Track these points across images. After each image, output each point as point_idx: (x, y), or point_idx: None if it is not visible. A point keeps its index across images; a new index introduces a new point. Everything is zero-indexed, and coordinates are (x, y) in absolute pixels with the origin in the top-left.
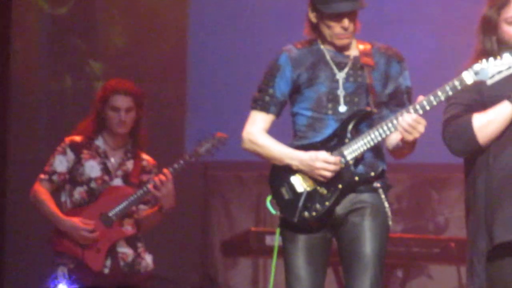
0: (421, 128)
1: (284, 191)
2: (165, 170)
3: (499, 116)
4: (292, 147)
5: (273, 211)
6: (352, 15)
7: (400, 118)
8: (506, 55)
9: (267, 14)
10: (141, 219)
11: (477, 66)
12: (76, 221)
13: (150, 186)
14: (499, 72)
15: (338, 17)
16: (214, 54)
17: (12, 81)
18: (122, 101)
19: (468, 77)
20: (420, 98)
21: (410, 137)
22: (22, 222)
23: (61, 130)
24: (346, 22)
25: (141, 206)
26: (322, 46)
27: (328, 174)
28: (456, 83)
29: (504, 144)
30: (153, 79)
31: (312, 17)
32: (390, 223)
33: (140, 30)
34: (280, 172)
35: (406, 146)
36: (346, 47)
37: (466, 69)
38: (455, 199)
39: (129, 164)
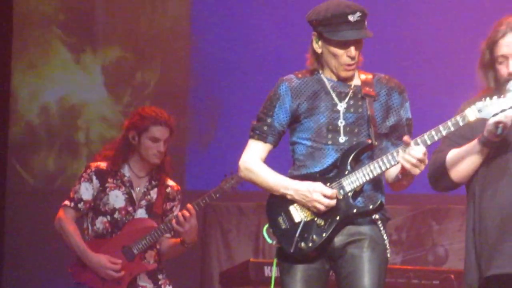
0: (426, 160)
1: (281, 220)
2: (189, 206)
3: (469, 154)
4: (290, 176)
5: (269, 241)
6: (358, 44)
7: (405, 156)
8: (510, 94)
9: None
10: (164, 249)
11: (480, 104)
12: (103, 259)
13: (173, 221)
14: (503, 110)
15: (345, 45)
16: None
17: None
18: (162, 133)
19: (471, 114)
20: (406, 137)
21: (417, 171)
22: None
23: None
24: (352, 50)
25: (167, 234)
26: (323, 76)
27: (322, 207)
28: (459, 119)
29: (490, 177)
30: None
31: (317, 47)
32: (389, 255)
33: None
34: (278, 201)
35: (406, 178)
36: (347, 78)
37: (469, 105)
38: (455, 230)
39: (153, 193)
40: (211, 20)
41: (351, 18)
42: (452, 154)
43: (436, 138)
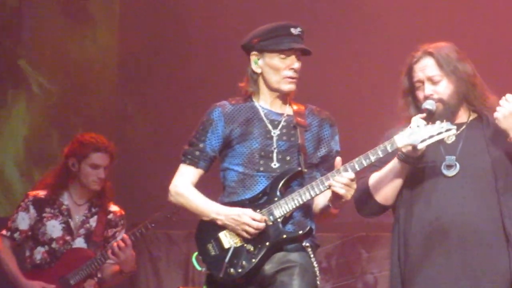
0: (355, 185)
1: (210, 247)
2: (124, 236)
3: (389, 174)
4: (221, 203)
5: (198, 268)
6: (298, 58)
7: (336, 177)
8: (437, 122)
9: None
10: (107, 276)
11: (408, 131)
12: (36, 285)
13: (109, 252)
14: (431, 137)
15: (287, 57)
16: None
17: None
18: (102, 159)
19: (400, 140)
20: (338, 159)
21: (348, 195)
22: None
23: None
24: (295, 62)
25: (110, 260)
26: (256, 103)
27: (252, 230)
28: (388, 146)
29: (412, 200)
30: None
31: (256, 67)
32: (319, 282)
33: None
34: (208, 228)
35: (335, 205)
36: (281, 105)
37: (393, 132)
38: (384, 258)
39: (92, 222)
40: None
41: (293, 31)
42: (374, 176)
43: (365, 163)
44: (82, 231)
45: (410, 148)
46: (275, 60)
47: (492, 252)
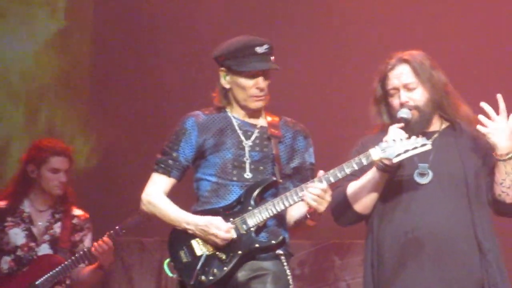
0: (329, 197)
1: (182, 254)
2: (105, 238)
3: (368, 183)
4: (194, 212)
5: (170, 274)
6: (266, 76)
7: (309, 188)
8: (413, 137)
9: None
10: (82, 277)
11: (384, 144)
12: None
13: (92, 249)
14: (406, 151)
15: (253, 77)
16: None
17: None
18: (62, 163)
19: (375, 154)
20: (321, 173)
21: (320, 208)
22: None
23: None
24: (261, 82)
25: (81, 264)
26: (230, 114)
27: (219, 241)
28: (363, 159)
29: (387, 209)
30: None
31: (225, 83)
32: None
33: None
34: (180, 235)
35: (312, 218)
36: (255, 116)
37: (365, 141)
38: (357, 265)
39: (57, 228)
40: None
41: (258, 50)
42: (352, 185)
43: (339, 176)
44: (46, 237)
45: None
46: (241, 79)
47: (464, 261)
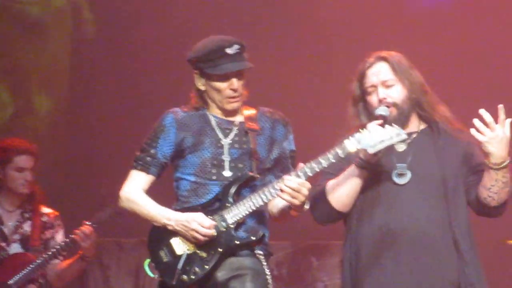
0: (305, 191)
1: (163, 254)
2: (86, 225)
3: (347, 180)
4: (173, 210)
5: (151, 274)
6: (240, 76)
7: (284, 183)
8: (388, 126)
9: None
10: (60, 272)
11: (359, 135)
12: None
13: (77, 237)
14: (381, 141)
15: (226, 79)
16: None
17: None
18: (27, 161)
19: (351, 145)
20: (301, 165)
21: (296, 202)
22: None
23: None
24: (234, 82)
25: (55, 260)
26: (208, 112)
27: (200, 237)
28: (339, 151)
29: (365, 207)
30: None
31: (200, 85)
32: None
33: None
34: (160, 234)
35: (294, 209)
36: (233, 113)
37: (348, 137)
38: (335, 266)
39: (27, 227)
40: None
41: (229, 51)
42: (331, 182)
43: (317, 169)
44: (16, 236)
45: (366, 153)
46: (215, 82)
47: (441, 260)
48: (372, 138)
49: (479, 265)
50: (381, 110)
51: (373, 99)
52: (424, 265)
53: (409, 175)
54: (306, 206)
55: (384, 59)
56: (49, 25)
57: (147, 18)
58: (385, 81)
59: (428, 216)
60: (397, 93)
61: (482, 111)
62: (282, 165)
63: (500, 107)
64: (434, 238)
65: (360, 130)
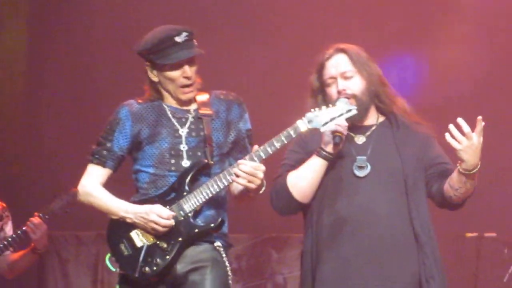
0: (261, 174)
1: (123, 247)
2: (35, 216)
3: (309, 170)
4: (132, 203)
5: (112, 269)
6: (191, 64)
7: (239, 167)
8: (338, 103)
9: None
10: (11, 263)
11: (310, 115)
12: None
13: (28, 229)
14: (332, 119)
15: (178, 67)
16: None
17: None
18: None
19: (302, 125)
20: (255, 148)
21: (252, 186)
22: None
23: None
24: (187, 70)
25: (6, 252)
26: (163, 103)
27: (160, 228)
28: (291, 131)
29: (327, 199)
30: None
31: (153, 76)
32: (230, 282)
33: None
34: (119, 228)
35: (251, 192)
36: (187, 102)
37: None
38: (294, 259)
39: None
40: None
41: (178, 39)
42: (293, 173)
43: (270, 151)
44: None
45: (327, 139)
46: (167, 72)
47: (401, 252)
48: (323, 117)
49: (439, 257)
50: (342, 102)
51: (332, 90)
52: (384, 257)
53: (368, 167)
54: (263, 189)
55: (343, 50)
56: (4, 15)
57: (106, 8)
58: (344, 73)
59: (388, 209)
60: (356, 84)
61: (460, 120)
62: (240, 146)
63: (479, 119)
64: (394, 230)
65: (312, 110)
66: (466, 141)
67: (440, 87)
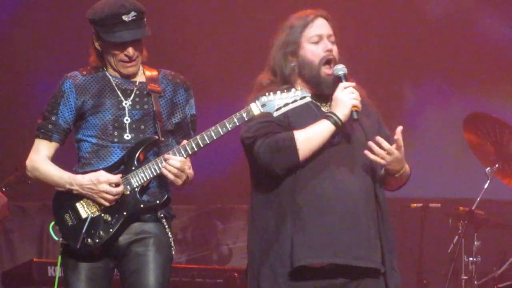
0: (188, 169)
1: (67, 217)
2: None
3: (320, 134)
4: (75, 173)
5: (55, 238)
6: (136, 44)
7: (169, 162)
8: (292, 89)
9: None
10: None
11: (264, 99)
12: None
13: None
14: (285, 104)
15: (122, 46)
16: None
17: None
18: None
19: (255, 108)
20: (184, 142)
21: (179, 181)
22: None
23: None
24: (130, 50)
25: None
26: (107, 73)
27: (111, 197)
28: (244, 114)
29: (308, 170)
30: None
31: (97, 45)
32: (174, 253)
33: None
34: (65, 199)
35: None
36: (132, 74)
37: (253, 100)
38: (239, 230)
39: None
40: None
41: (125, 18)
42: (302, 133)
43: (221, 132)
44: None
45: (347, 113)
46: (110, 46)
47: (370, 223)
48: (276, 101)
49: (393, 229)
50: (340, 70)
51: (318, 48)
52: (359, 227)
53: (343, 141)
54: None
55: (326, 17)
56: None
57: None
58: (330, 36)
59: (361, 183)
60: (335, 52)
61: (379, 139)
62: (183, 130)
63: (398, 130)
64: (365, 205)
65: (266, 93)
66: (389, 157)
67: None
